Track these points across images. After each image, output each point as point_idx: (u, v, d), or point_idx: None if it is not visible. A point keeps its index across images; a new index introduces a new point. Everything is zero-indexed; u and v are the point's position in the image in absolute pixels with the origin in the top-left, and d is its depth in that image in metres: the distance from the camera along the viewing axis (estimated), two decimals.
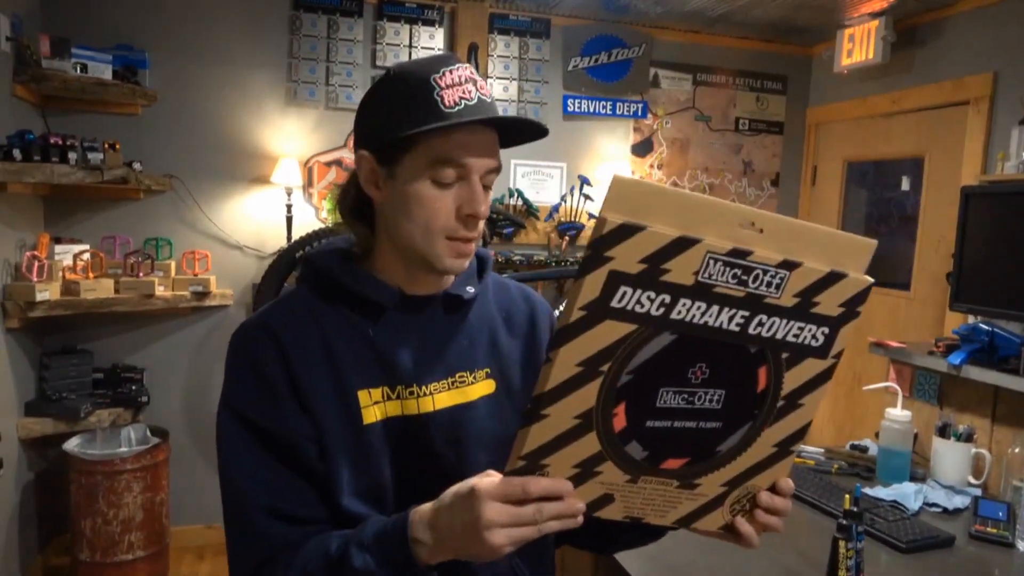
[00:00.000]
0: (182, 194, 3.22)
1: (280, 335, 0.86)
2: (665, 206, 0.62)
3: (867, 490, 1.86)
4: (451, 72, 0.84)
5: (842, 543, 1.33)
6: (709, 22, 3.68)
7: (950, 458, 1.95)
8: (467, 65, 0.87)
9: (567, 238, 3.70)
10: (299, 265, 3.16)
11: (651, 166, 3.87)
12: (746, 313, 0.67)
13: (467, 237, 0.86)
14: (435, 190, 0.84)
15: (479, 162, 0.84)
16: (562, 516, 0.69)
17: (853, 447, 2.20)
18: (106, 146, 2.80)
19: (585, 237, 3.65)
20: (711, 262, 0.63)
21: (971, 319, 2.53)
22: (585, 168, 3.75)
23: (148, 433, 3.01)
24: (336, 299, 0.89)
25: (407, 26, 3.44)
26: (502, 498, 0.68)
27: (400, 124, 0.83)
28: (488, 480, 0.69)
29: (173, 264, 3.15)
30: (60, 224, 3.09)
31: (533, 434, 0.66)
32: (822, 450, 2.18)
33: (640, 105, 3.80)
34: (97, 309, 2.85)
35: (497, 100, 0.90)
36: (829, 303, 0.69)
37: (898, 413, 1.99)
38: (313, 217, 3.42)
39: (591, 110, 3.74)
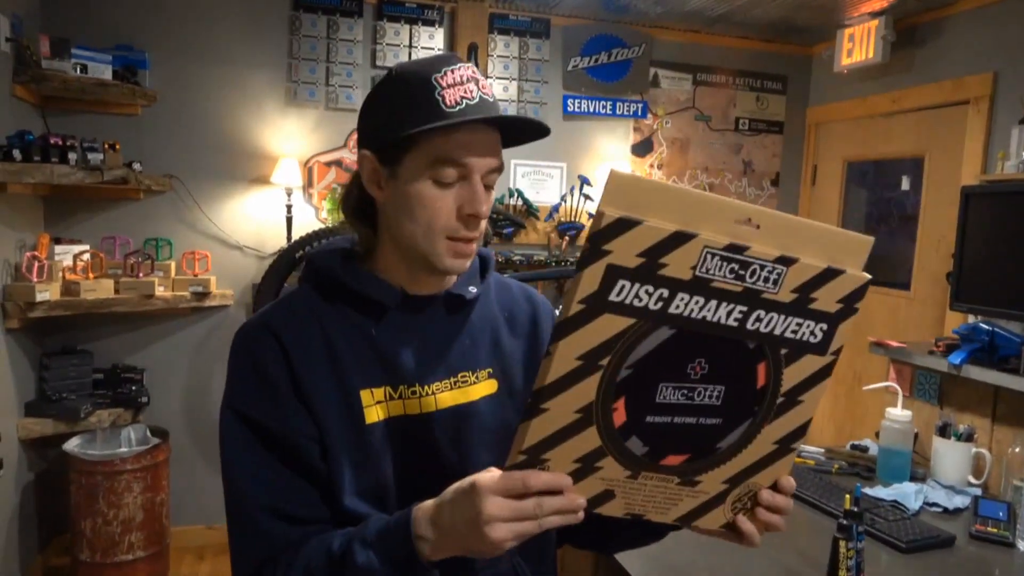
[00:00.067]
0: (182, 194, 3.22)
1: (282, 335, 0.86)
2: (662, 201, 0.62)
3: (867, 490, 1.86)
4: (453, 72, 0.84)
5: (842, 543, 1.33)
6: (709, 22, 3.68)
7: (950, 458, 1.95)
8: (469, 65, 0.87)
9: (567, 238, 3.70)
10: (300, 265, 3.17)
11: (651, 166, 3.87)
12: (744, 308, 0.67)
13: (468, 237, 0.86)
14: (436, 190, 0.84)
15: (480, 161, 0.84)
16: (563, 511, 0.69)
17: (853, 447, 2.20)
18: (106, 146, 2.80)
19: (585, 237, 3.65)
20: (708, 256, 0.63)
21: (971, 319, 2.53)
22: (585, 168, 3.75)
23: (148, 433, 3.02)
24: (338, 299, 0.89)
25: (407, 26, 3.44)
26: (503, 492, 0.68)
27: (401, 124, 0.83)
28: (489, 475, 0.69)
29: (173, 264, 3.15)
30: (60, 224, 3.09)
31: (533, 428, 0.67)
32: (822, 450, 2.18)
33: (640, 105, 3.80)
34: (97, 309, 2.85)
35: (497, 100, 0.90)
36: (827, 299, 0.69)
37: (898, 413, 1.99)
38: (313, 217, 3.42)
39: (591, 110, 3.74)
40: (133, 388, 3.02)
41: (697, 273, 0.64)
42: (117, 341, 3.20)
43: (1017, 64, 2.88)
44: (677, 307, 0.65)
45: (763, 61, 3.99)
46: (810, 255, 0.67)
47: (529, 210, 3.65)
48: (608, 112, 3.76)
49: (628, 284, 0.63)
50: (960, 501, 1.82)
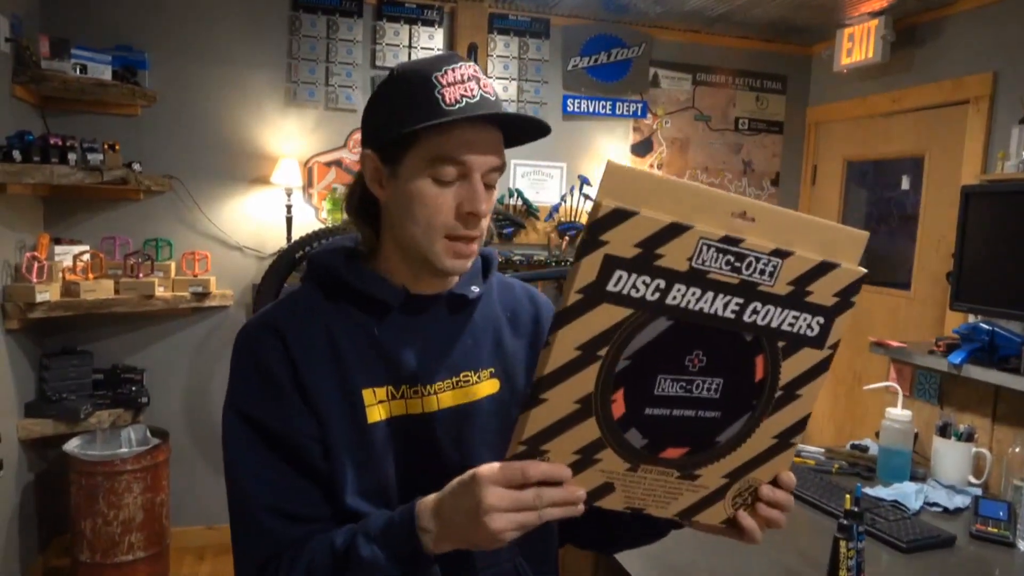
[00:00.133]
0: (182, 195, 3.22)
1: (285, 334, 0.86)
2: (659, 193, 0.63)
3: (868, 490, 1.86)
4: (453, 70, 0.84)
5: (843, 543, 1.33)
6: (709, 22, 3.68)
7: (951, 458, 1.95)
8: (471, 64, 0.87)
9: (567, 238, 3.70)
10: (300, 265, 3.16)
11: (651, 166, 3.87)
12: (740, 300, 0.67)
13: (467, 236, 0.86)
14: (435, 188, 0.84)
15: (480, 159, 0.84)
16: (562, 503, 0.69)
17: (853, 447, 2.20)
18: (106, 147, 2.80)
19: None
20: (704, 248, 0.64)
21: (971, 318, 2.53)
22: (585, 168, 3.75)
23: (148, 434, 3.01)
24: (341, 298, 0.89)
25: (407, 26, 3.44)
26: (502, 483, 0.68)
27: (402, 122, 0.83)
28: (489, 466, 0.70)
29: (173, 265, 3.15)
30: (60, 225, 3.09)
31: (533, 418, 0.67)
32: (822, 450, 2.18)
33: (640, 105, 3.80)
34: (97, 310, 2.85)
35: (500, 99, 0.89)
36: (823, 292, 0.70)
37: (898, 413, 1.99)
38: (313, 217, 3.42)
39: (591, 110, 3.74)
40: (133, 388, 3.01)
41: (693, 264, 0.64)
42: (117, 341, 3.20)
43: (1017, 64, 2.88)
44: (674, 298, 0.65)
45: (763, 61, 3.99)
46: (805, 249, 0.68)
47: (529, 210, 3.65)
48: (608, 112, 3.76)
49: (625, 274, 0.63)
50: (960, 501, 1.82)
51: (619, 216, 0.61)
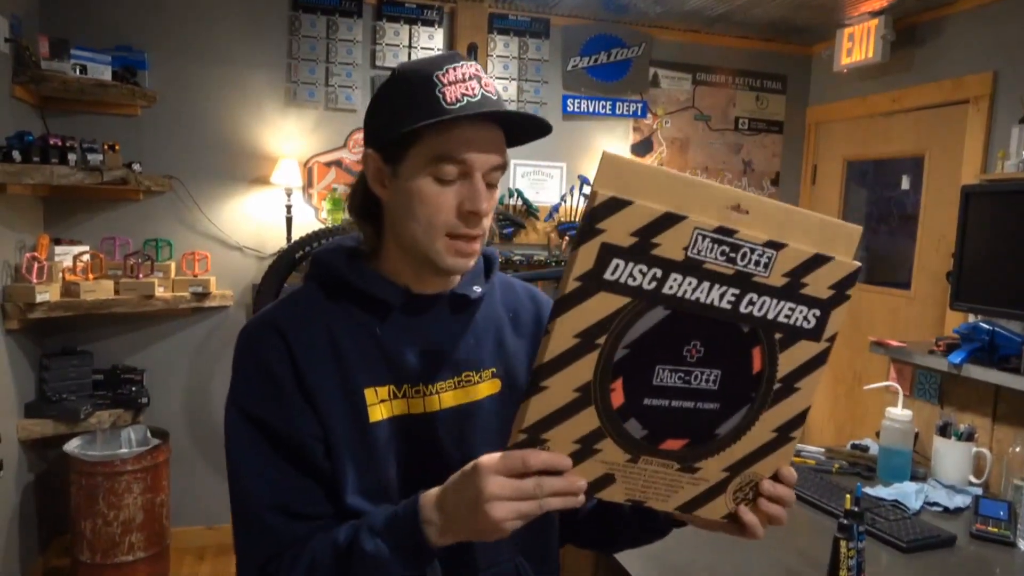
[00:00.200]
0: (182, 195, 3.22)
1: (287, 333, 0.86)
2: (654, 184, 0.64)
3: (868, 490, 1.86)
4: (455, 69, 0.84)
5: (843, 543, 1.33)
6: (708, 22, 3.68)
7: (951, 457, 1.95)
8: (473, 63, 0.87)
9: (567, 238, 3.70)
10: (300, 265, 3.16)
11: None
12: (736, 291, 0.68)
13: (468, 235, 0.85)
14: (437, 187, 0.84)
15: (481, 158, 0.84)
16: (563, 493, 0.70)
17: (854, 447, 2.20)
18: (105, 147, 2.80)
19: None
20: (699, 238, 0.65)
21: (971, 318, 2.53)
22: (585, 168, 3.75)
23: (148, 434, 3.02)
24: (343, 297, 0.90)
25: (406, 26, 3.44)
26: (503, 471, 0.69)
27: (403, 121, 0.83)
28: (490, 456, 0.70)
29: (173, 265, 3.15)
30: (60, 225, 3.09)
31: (533, 406, 0.67)
32: (823, 450, 2.18)
33: (640, 105, 3.80)
34: (97, 310, 2.85)
35: (502, 99, 0.90)
36: (818, 285, 0.70)
37: (899, 412, 1.99)
38: (313, 218, 3.42)
39: (591, 110, 3.74)
40: (133, 389, 3.02)
41: (689, 254, 0.65)
42: (117, 342, 3.19)
43: (1017, 63, 2.88)
44: (671, 287, 0.66)
45: (763, 61, 3.99)
46: (799, 242, 0.68)
47: (529, 210, 3.65)
48: (608, 112, 3.76)
49: (622, 263, 0.64)
50: (961, 501, 1.82)
51: (615, 205, 0.62)
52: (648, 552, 1.15)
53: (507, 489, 0.68)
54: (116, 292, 2.92)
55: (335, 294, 0.90)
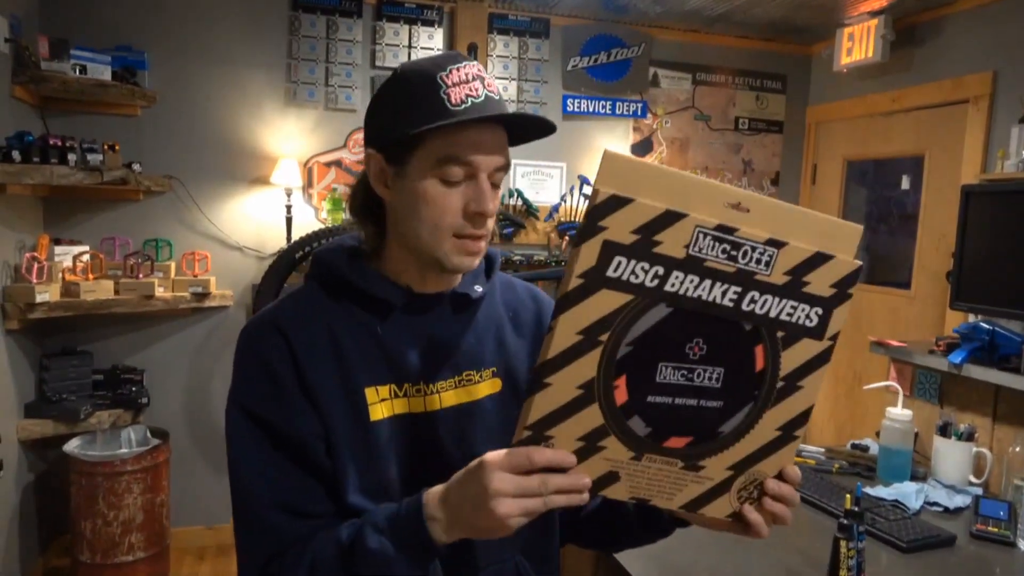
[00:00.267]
0: (181, 195, 3.22)
1: (288, 332, 0.86)
2: (655, 182, 0.64)
3: (868, 489, 1.86)
4: (458, 70, 0.84)
5: (843, 543, 1.33)
6: (708, 21, 3.68)
7: (951, 457, 1.95)
8: (475, 63, 0.87)
9: (567, 238, 3.70)
10: (300, 265, 3.15)
11: None
12: (738, 289, 0.68)
13: (475, 235, 0.86)
14: (442, 188, 0.84)
15: (486, 160, 0.84)
16: (567, 490, 0.70)
17: (854, 446, 2.20)
18: (105, 147, 2.80)
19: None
20: (700, 236, 0.65)
21: (971, 318, 2.53)
22: (585, 168, 3.75)
23: (148, 434, 3.02)
24: (344, 297, 0.90)
25: (406, 26, 3.44)
26: (508, 468, 0.69)
27: (407, 123, 0.83)
28: (495, 452, 0.71)
29: (173, 265, 3.15)
30: (60, 225, 3.09)
31: (537, 403, 0.68)
32: (823, 449, 2.17)
33: (640, 105, 3.80)
34: (97, 310, 2.85)
35: (504, 98, 0.90)
36: (820, 283, 0.71)
37: (899, 412, 1.99)
38: (313, 218, 3.42)
39: (591, 110, 3.74)
40: (133, 389, 3.02)
41: (690, 252, 0.66)
42: (117, 342, 3.19)
43: (1017, 63, 2.88)
44: (673, 285, 0.66)
45: (763, 60, 3.99)
46: (800, 240, 0.69)
47: (529, 210, 3.65)
48: (608, 112, 3.76)
49: (624, 260, 0.64)
50: (961, 500, 1.82)
51: (616, 202, 0.63)
52: (649, 552, 1.15)
53: (512, 486, 0.68)
54: (116, 292, 2.92)
55: (336, 294, 0.90)
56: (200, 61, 3.21)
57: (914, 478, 1.97)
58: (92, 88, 2.83)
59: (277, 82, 3.32)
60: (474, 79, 0.84)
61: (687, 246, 0.65)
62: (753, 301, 0.69)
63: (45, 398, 2.88)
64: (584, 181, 3.68)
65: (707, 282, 0.67)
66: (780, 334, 0.72)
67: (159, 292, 3.01)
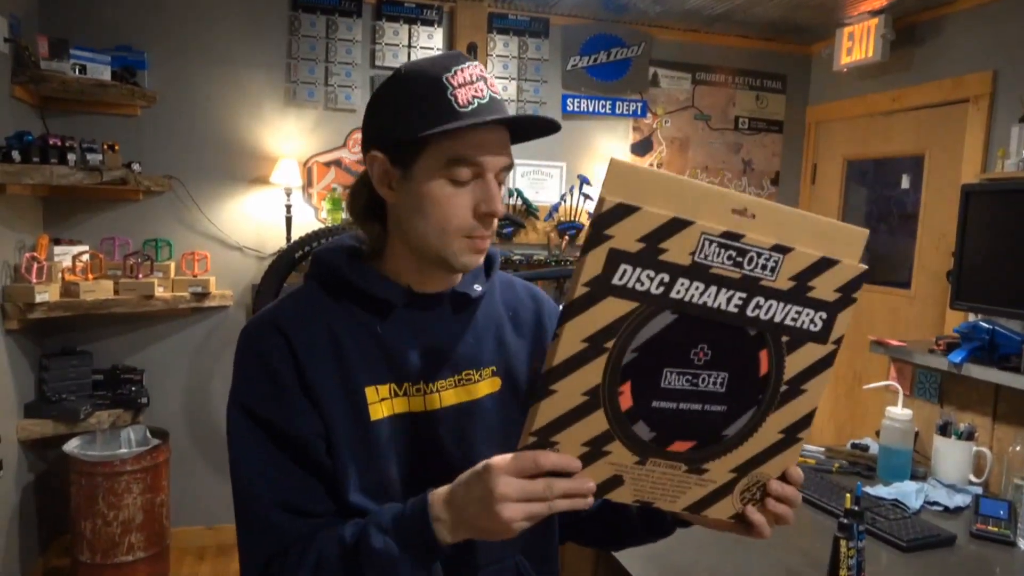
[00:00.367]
0: (181, 195, 3.22)
1: (288, 332, 0.86)
2: (660, 189, 0.65)
3: (868, 489, 1.86)
4: (462, 71, 0.84)
5: (843, 542, 1.33)
6: (708, 21, 3.68)
7: (951, 457, 1.95)
8: (476, 63, 0.87)
9: (567, 238, 3.70)
10: (299, 265, 3.15)
11: (651, 165, 3.87)
12: (743, 295, 0.69)
13: (484, 235, 0.87)
14: (451, 189, 0.84)
15: (494, 160, 0.85)
16: (572, 494, 0.70)
17: (854, 446, 2.20)
18: (105, 147, 2.80)
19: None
20: (706, 243, 0.66)
21: (971, 317, 2.53)
22: (585, 168, 3.75)
23: (148, 434, 3.01)
24: (344, 296, 0.90)
25: (406, 26, 3.44)
26: (514, 472, 0.69)
27: (415, 124, 0.83)
28: (501, 456, 0.71)
29: (172, 265, 3.15)
30: (59, 225, 3.08)
31: (542, 410, 0.68)
32: (823, 449, 2.17)
33: (639, 104, 3.80)
34: (96, 310, 2.85)
35: (503, 97, 0.90)
36: (825, 288, 0.71)
37: (899, 412, 1.99)
38: (312, 217, 3.42)
39: (590, 109, 3.74)
40: (133, 389, 3.01)
41: (696, 259, 0.66)
42: (117, 342, 3.19)
43: (1017, 62, 2.88)
44: (678, 292, 0.67)
45: (762, 60, 3.99)
46: (806, 245, 0.69)
47: (529, 210, 3.65)
48: (607, 111, 3.76)
49: (630, 268, 0.65)
50: (961, 500, 1.82)
51: (622, 211, 0.63)
52: (649, 552, 1.15)
53: (517, 490, 0.69)
54: (116, 292, 2.92)
55: (336, 293, 0.90)
56: (200, 61, 3.21)
57: (914, 477, 1.97)
58: (92, 88, 2.83)
59: (277, 82, 3.32)
60: (478, 80, 0.85)
61: (693, 253, 0.66)
62: (758, 307, 0.70)
63: (45, 398, 2.88)
64: (584, 181, 3.68)
65: (712, 288, 0.67)
66: (784, 339, 0.72)
67: (159, 292, 3.01)
